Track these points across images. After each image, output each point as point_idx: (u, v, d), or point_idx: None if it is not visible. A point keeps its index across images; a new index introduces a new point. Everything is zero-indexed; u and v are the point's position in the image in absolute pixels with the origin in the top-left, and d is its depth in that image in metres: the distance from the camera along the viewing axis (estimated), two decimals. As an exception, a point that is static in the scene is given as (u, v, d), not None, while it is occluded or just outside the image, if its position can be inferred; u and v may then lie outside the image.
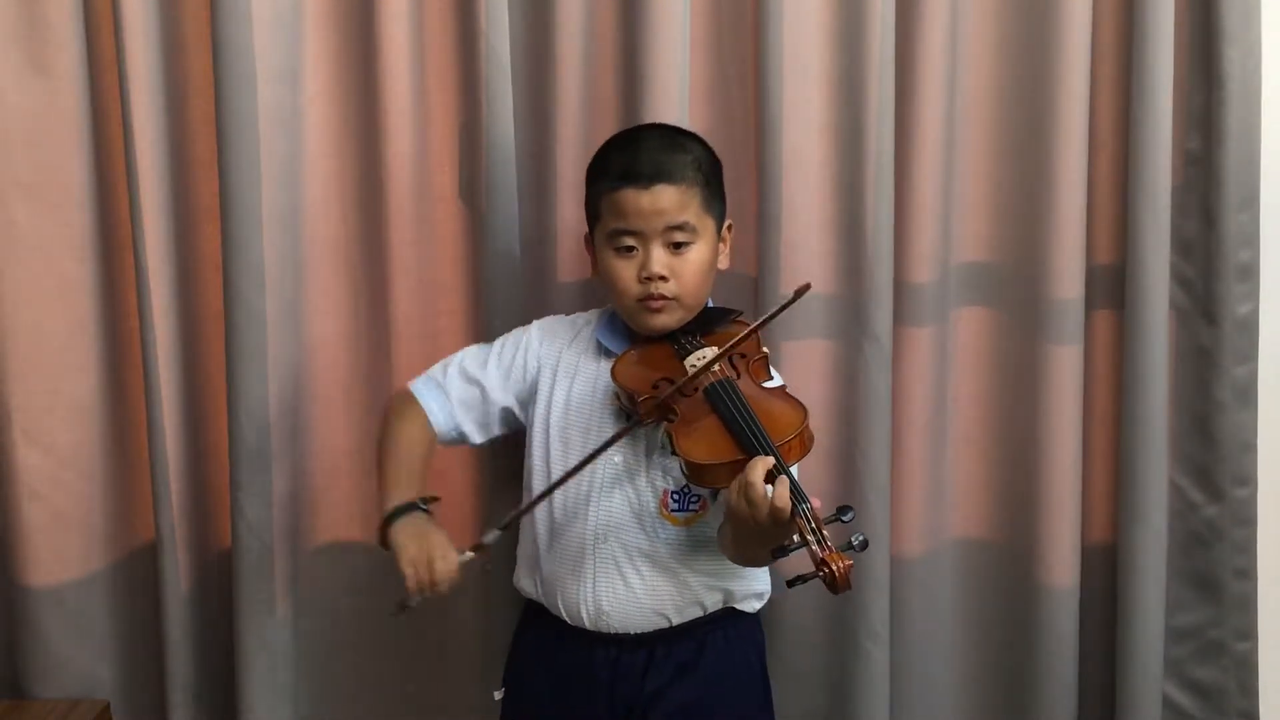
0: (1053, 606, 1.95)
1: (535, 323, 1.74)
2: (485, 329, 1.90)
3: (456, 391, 1.68)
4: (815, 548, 1.30)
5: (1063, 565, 1.93)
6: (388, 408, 1.70)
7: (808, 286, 1.46)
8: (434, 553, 1.48)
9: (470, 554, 1.53)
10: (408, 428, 1.65)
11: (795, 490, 1.35)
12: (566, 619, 1.61)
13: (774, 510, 1.33)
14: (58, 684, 1.96)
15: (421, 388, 1.68)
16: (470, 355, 1.71)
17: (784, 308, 1.49)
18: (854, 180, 1.87)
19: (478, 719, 1.97)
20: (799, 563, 1.32)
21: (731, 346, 1.52)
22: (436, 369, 1.71)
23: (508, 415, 1.69)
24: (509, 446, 1.77)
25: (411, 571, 1.48)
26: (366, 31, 1.86)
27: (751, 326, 1.52)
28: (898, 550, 1.96)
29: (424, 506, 1.56)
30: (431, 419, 1.66)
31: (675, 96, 1.83)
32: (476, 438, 1.69)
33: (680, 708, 1.59)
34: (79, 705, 1.94)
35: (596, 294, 1.83)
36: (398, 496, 1.56)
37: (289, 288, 1.90)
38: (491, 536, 1.54)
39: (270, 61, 1.82)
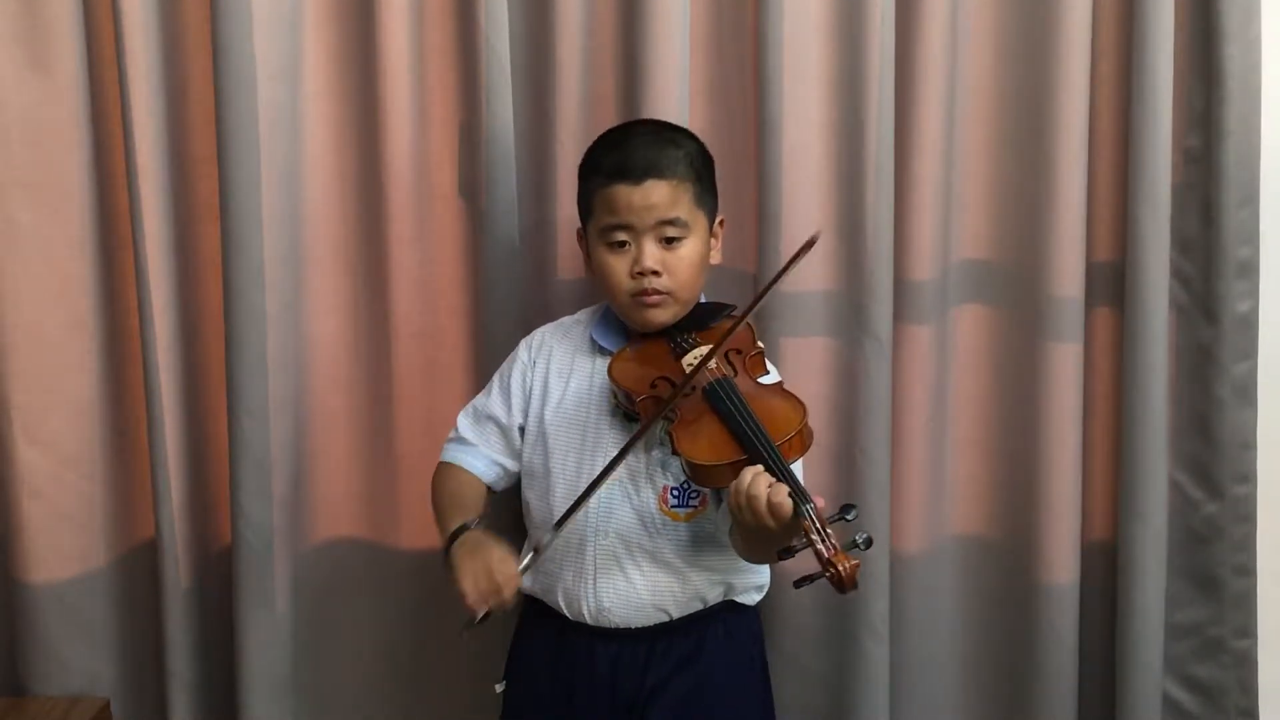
0: (1053, 604, 1.95)
1: (521, 342, 1.75)
2: (485, 327, 1.90)
3: (476, 437, 1.69)
4: (821, 547, 1.30)
5: (1063, 562, 1.94)
6: (431, 484, 1.70)
7: (815, 238, 1.41)
8: (491, 559, 1.48)
9: (531, 555, 1.53)
10: (453, 479, 1.68)
11: (798, 491, 1.34)
12: (568, 615, 1.61)
13: (775, 511, 1.34)
14: (58, 681, 1.96)
15: (450, 454, 1.70)
16: (471, 406, 1.73)
17: (792, 262, 1.42)
18: (854, 178, 1.87)
19: (477, 717, 1.97)
20: (806, 562, 1.32)
21: (732, 327, 1.51)
22: (451, 435, 1.72)
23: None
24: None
25: (471, 585, 1.47)
26: (366, 31, 1.86)
27: (768, 283, 1.49)
28: (898, 547, 1.96)
29: (473, 525, 1.56)
30: (473, 471, 1.68)
31: (675, 96, 1.83)
32: (514, 466, 1.69)
33: (681, 699, 1.60)
34: (79, 703, 1.94)
35: (596, 291, 1.83)
36: (452, 525, 1.57)
37: (289, 286, 1.90)
38: (548, 538, 1.54)
39: (270, 61, 1.82)
